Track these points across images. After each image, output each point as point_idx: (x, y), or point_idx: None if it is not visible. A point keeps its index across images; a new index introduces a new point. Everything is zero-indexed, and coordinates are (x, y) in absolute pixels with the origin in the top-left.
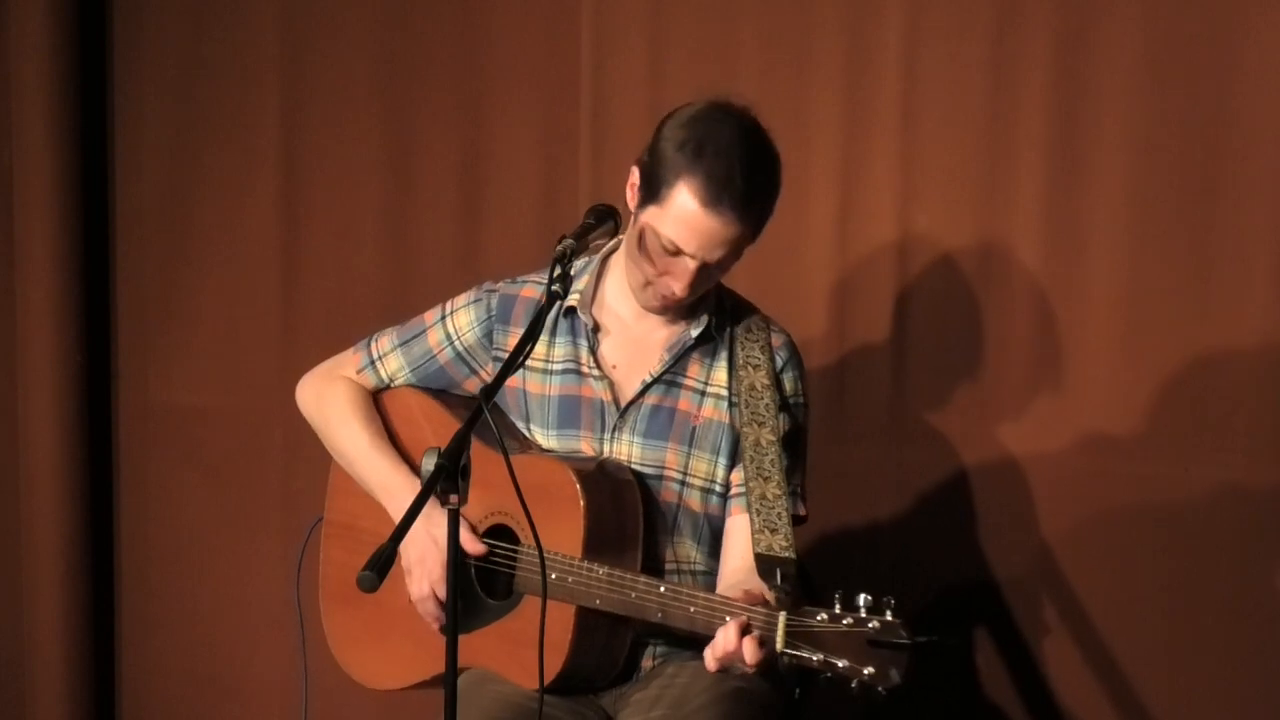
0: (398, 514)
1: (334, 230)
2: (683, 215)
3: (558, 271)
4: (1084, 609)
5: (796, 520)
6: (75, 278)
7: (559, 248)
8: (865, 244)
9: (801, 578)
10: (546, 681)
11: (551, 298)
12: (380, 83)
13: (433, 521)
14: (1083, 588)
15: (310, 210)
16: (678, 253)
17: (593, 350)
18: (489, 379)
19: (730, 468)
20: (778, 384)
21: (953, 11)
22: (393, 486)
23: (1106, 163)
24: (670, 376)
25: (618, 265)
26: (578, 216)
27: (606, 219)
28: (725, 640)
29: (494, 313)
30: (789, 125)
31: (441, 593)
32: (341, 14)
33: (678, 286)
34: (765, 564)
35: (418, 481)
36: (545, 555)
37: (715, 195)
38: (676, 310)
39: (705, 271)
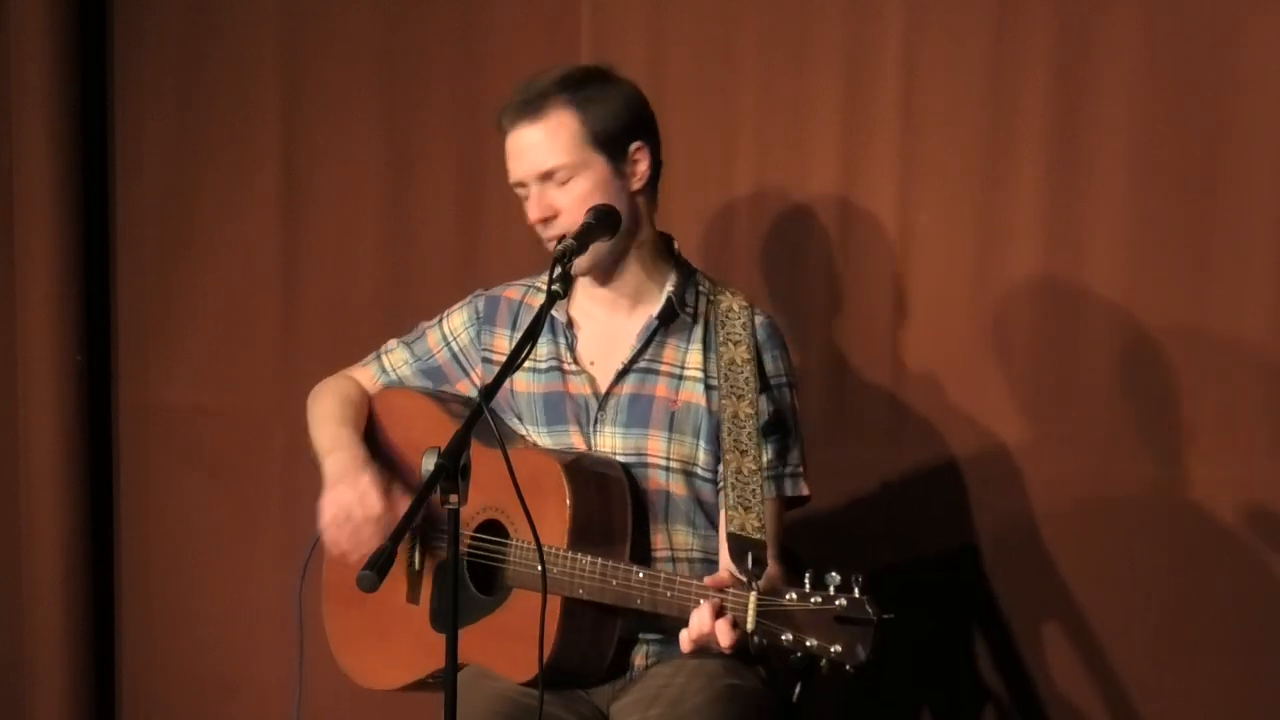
0: (331, 496)
1: (334, 230)
2: (506, 155)
3: (558, 271)
4: (1083, 608)
5: (800, 501)
6: (75, 278)
7: (559, 247)
8: (865, 244)
9: (791, 566)
10: (534, 674)
11: (551, 297)
12: (380, 83)
13: (355, 484)
14: (1082, 587)
15: (310, 210)
16: (519, 185)
17: (570, 347)
18: (478, 381)
19: (712, 451)
20: (759, 361)
21: (953, 11)
22: (338, 472)
23: (1106, 162)
24: (646, 364)
25: None
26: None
27: (606, 219)
28: (700, 622)
29: (481, 315)
30: (789, 125)
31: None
32: (341, 14)
33: (532, 214)
34: (737, 545)
35: (362, 467)
36: (529, 547)
37: (509, 118)
38: (588, 265)
39: (544, 192)
